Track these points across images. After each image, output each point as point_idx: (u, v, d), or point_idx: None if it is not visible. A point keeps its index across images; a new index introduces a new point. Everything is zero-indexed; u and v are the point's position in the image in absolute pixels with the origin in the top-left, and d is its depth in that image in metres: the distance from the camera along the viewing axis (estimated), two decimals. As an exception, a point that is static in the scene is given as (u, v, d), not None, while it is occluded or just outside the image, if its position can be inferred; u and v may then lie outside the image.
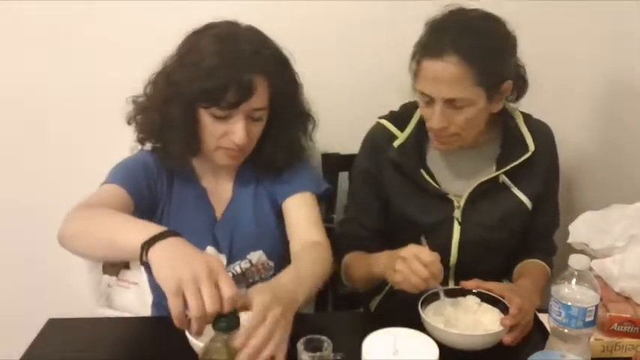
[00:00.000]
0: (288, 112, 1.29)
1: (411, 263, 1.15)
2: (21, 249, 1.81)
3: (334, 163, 1.67)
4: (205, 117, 1.22)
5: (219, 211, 1.36)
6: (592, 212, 1.34)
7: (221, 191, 1.37)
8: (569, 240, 1.30)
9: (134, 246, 0.92)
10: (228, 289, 0.87)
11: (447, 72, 1.24)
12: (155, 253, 0.90)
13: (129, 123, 1.30)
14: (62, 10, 1.61)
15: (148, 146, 1.33)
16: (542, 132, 1.45)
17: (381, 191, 1.45)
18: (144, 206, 1.28)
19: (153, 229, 0.95)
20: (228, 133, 1.22)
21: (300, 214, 1.32)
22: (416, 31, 1.64)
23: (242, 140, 1.21)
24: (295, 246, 1.28)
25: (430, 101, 1.30)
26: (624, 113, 1.75)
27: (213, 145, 1.25)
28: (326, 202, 1.40)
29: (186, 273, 0.86)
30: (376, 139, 1.46)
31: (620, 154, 1.78)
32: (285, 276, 1.10)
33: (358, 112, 1.71)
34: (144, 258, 0.91)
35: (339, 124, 1.71)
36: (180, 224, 1.32)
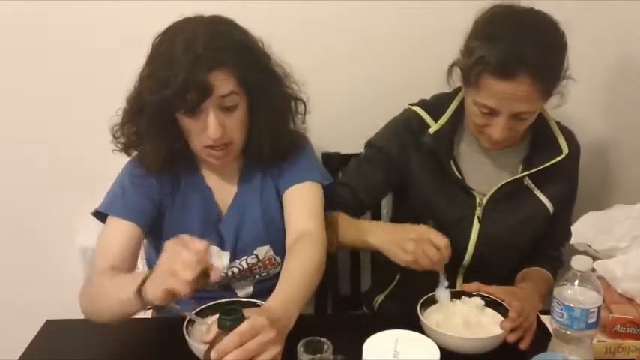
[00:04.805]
0: (265, 97, 1.27)
1: (425, 246, 1.19)
2: (20, 250, 1.81)
3: (334, 163, 1.66)
4: (182, 119, 1.23)
5: (224, 208, 1.36)
6: (595, 213, 1.33)
7: (226, 188, 1.37)
8: (572, 241, 1.30)
9: (133, 300, 1.05)
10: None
11: (519, 91, 1.21)
12: (146, 290, 1.04)
13: (114, 136, 1.30)
14: (63, 8, 1.60)
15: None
16: (572, 138, 1.44)
17: (397, 177, 1.44)
18: (152, 219, 1.32)
19: (137, 276, 1.07)
20: (204, 129, 1.22)
21: (296, 203, 1.32)
22: (417, 31, 1.65)
23: (215, 133, 1.20)
24: (289, 237, 1.28)
25: (492, 113, 1.27)
26: (628, 112, 1.75)
27: (197, 145, 1.26)
28: (328, 199, 1.38)
29: (168, 281, 0.99)
30: (408, 124, 1.43)
31: (624, 154, 1.77)
32: (277, 299, 1.08)
33: (358, 112, 1.71)
34: (144, 300, 1.04)
35: (339, 124, 1.70)
36: (183, 226, 1.32)
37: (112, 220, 1.27)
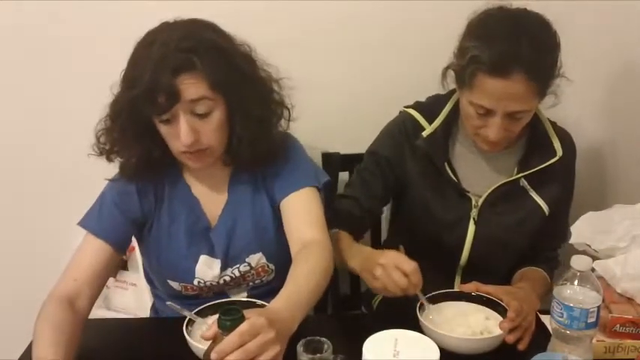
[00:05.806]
0: (242, 102, 1.23)
1: (391, 272, 1.14)
2: (20, 250, 1.81)
3: (334, 163, 1.66)
4: (159, 125, 1.21)
5: (214, 217, 1.34)
6: (594, 213, 1.33)
7: (215, 196, 1.34)
8: (571, 241, 1.30)
9: None
10: None
11: (513, 90, 1.21)
12: None
13: (98, 140, 1.28)
14: (63, 10, 1.61)
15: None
16: (568, 139, 1.44)
17: (394, 180, 1.44)
18: (128, 238, 1.31)
19: None
20: (179, 134, 1.19)
21: (297, 212, 1.29)
22: (416, 32, 1.65)
23: (187, 139, 1.17)
24: (293, 248, 1.26)
25: (487, 113, 1.27)
26: (626, 112, 1.75)
27: (174, 150, 1.23)
28: (326, 197, 1.37)
29: None
30: (403, 127, 1.43)
31: (623, 154, 1.77)
32: (281, 301, 1.06)
33: (358, 112, 1.71)
34: None
35: (339, 124, 1.70)
36: (171, 237, 1.32)
37: (86, 235, 1.26)
